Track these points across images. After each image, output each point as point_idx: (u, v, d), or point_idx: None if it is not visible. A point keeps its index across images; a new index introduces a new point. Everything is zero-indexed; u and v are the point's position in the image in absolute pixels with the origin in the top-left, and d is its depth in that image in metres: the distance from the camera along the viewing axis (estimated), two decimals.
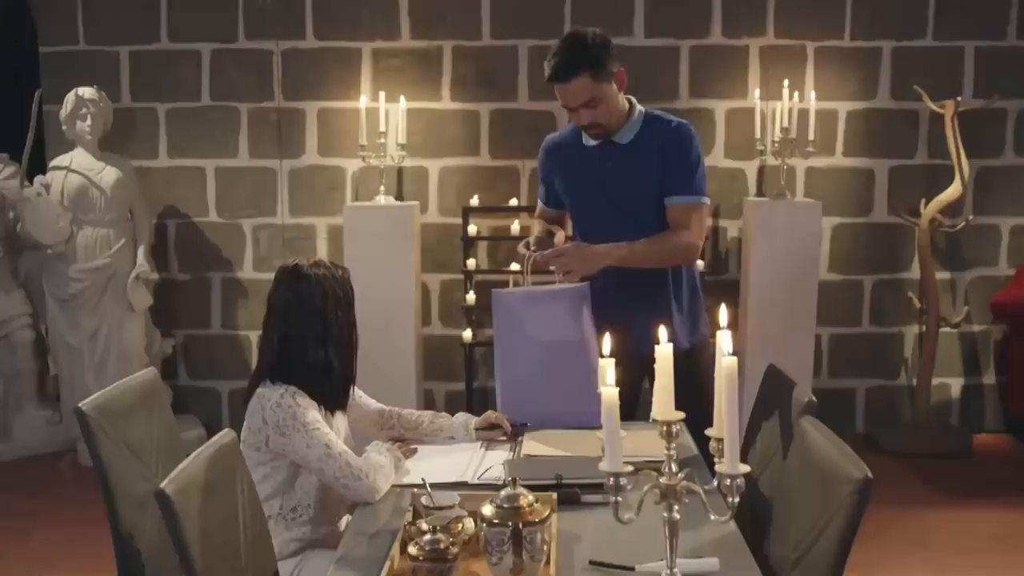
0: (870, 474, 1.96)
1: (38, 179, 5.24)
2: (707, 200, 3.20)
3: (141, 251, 5.33)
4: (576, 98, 3.02)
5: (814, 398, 2.58)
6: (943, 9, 5.53)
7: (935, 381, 5.60)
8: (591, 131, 3.12)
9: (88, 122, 5.21)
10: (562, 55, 3.00)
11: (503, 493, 2.01)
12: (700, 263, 3.59)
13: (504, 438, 2.99)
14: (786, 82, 5.23)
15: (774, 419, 2.77)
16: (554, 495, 2.31)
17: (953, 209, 5.51)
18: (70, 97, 5.22)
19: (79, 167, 5.22)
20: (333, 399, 2.69)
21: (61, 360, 5.41)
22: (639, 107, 3.18)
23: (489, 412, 3.06)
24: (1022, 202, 5.69)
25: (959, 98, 5.31)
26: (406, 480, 2.64)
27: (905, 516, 4.50)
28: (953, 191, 5.31)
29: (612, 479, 1.82)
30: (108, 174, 5.23)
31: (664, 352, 1.88)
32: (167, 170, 5.75)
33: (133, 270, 5.26)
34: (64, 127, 5.26)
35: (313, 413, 2.57)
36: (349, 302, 2.72)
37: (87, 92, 5.22)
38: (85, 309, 5.23)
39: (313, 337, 2.62)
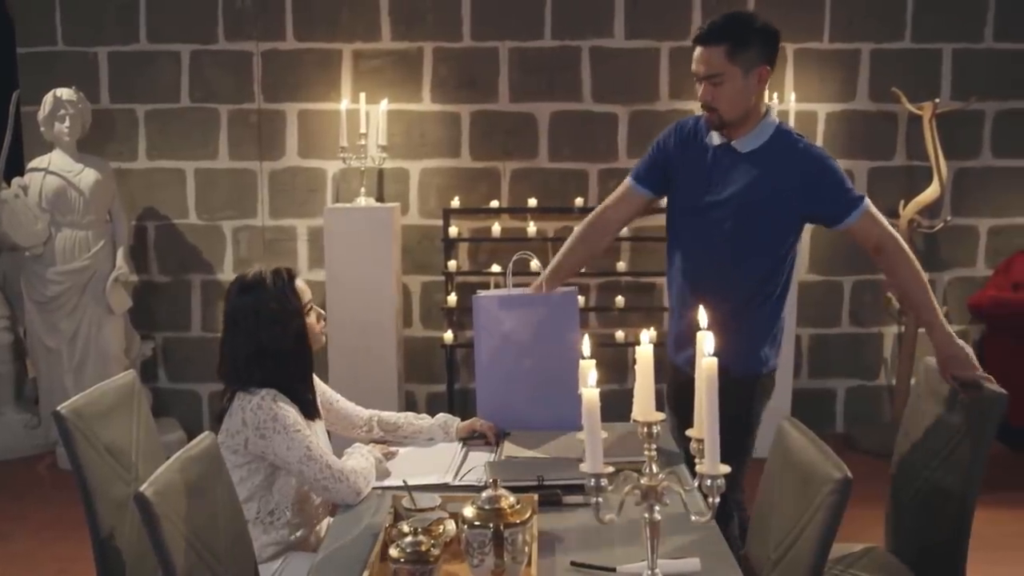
0: (849, 474, 1.97)
1: (16, 181, 5.20)
2: (865, 196, 2.95)
3: (120, 253, 5.29)
4: (703, 67, 2.83)
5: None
6: (921, 11, 5.56)
7: (914, 381, 5.62)
8: (706, 113, 2.92)
9: (66, 123, 5.18)
10: (715, 20, 2.83)
11: (484, 495, 2.01)
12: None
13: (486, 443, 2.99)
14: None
15: None
16: (535, 496, 2.31)
17: (931, 210, 5.54)
18: (48, 98, 5.18)
19: (57, 169, 5.18)
20: (303, 401, 2.67)
21: (39, 363, 5.37)
22: (773, 119, 2.91)
23: (475, 419, 3.06)
24: (1000, 203, 5.74)
25: (937, 100, 5.34)
26: (387, 482, 2.64)
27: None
28: (931, 192, 5.35)
29: (593, 480, 1.82)
30: (87, 176, 5.20)
31: (644, 352, 1.88)
32: (146, 172, 5.72)
33: (112, 272, 5.23)
34: (42, 128, 5.23)
35: (294, 415, 2.56)
36: (289, 315, 2.65)
37: (65, 93, 5.18)
38: (64, 311, 5.19)
39: (250, 353, 2.60)
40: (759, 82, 2.82)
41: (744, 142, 2.87)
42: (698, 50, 2.85)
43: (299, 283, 2.71)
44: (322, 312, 2.80)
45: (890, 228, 2.89)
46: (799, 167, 2.84)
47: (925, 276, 2.88)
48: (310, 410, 2.68)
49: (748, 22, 2.83)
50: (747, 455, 2.95)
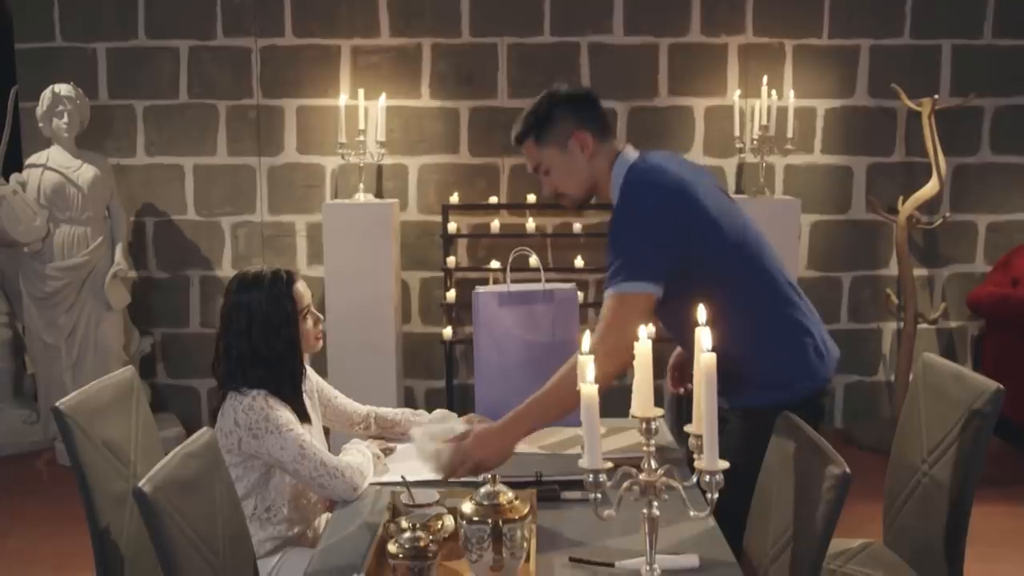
0: (848, 469, 1.97)
1: (14, 177, 5.19)
2: (631, 287, 2.42)
3: (119, 249, 5.29)
4: (528, 162, 2.73)
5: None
6: (920, 7, 5.56)
7: (912, 377, 5.62)
8: (559, 201, 2.75)
9: (65, 119, 5.18)
10: (519, 119, 2.72)
11: (483, 490, 2.01)
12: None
13: None
14: (765, 80, 5.25)
15: None
16: (534, 492, 2.31)
17: (930, 206, 5.55)
18: (46, 94, 5.18)
19: (56, 165, 5.18)
20: (293, 405, 2.67)
21: (38, 359, 5.37)
22: (627, 158, 2.63)
23: (471, 415, 3.06)
24: (998, 199, 5.74)
25: (936, 96, 5.34)
26: (385, 478, 2.64)
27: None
28: (930, 188, 5.35)
29: (592, 476, 1.83)
30: (85, 172, 5.19)
31: (642, 348, 1.88)
32: (145, 168, 5.71)
33: (111, 268, 5.22)
34: (40, 124, 5.22)
35: (286, 414, 2.56)
36: (282, 321, 2.63)
37: (63, 89, 5.18)
38: (62, 307, 5.19)
39: (241, 353, 2.60)
40: (583, 149, 2.63)
41: (614, 198, 2.64)
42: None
43: (299, 287, 2.69)
44: (320, 316, 2.79)
45: (602, 333, 2.43)
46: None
47: (559, 399, 2.49)
48: (301, 415, 2.66)
49: (542, 103, 2.69)
50: None
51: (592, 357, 1.84)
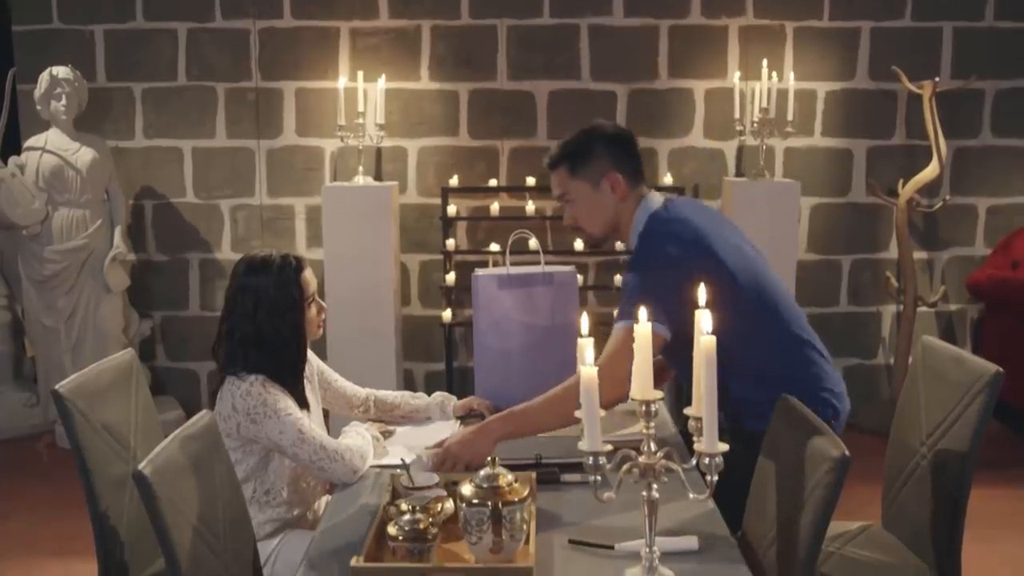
0: (847, 452, 1.97)
1: (12, 159, 5.18)
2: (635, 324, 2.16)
3: (118, 232, 5.29)
4: (555, 189, 2.78)
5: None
6: None
7: (912, 360, 5.63)
8: (576, 232, 2.87)
9: (63, 102, 5.16)
10: (558, 144, 2.77)
11: (482, 473, 2.01)
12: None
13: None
14: (765, 62, 5.23)
15: None
16: (533, 474, 2.32)
17: (930, 189, 5.54)
18: (44, 76, 5.16)
19: (54, 147, 5.17)
20: (293, 391, 2.66)
21: (38, 342, 5.37)
22: (651, 206, 2.69)
23: (471, 398, 3.07)
24: (999, 182, 5.73)
25: (937, 79, 5.32)
26: (384, 460, 2.64)
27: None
28: (930, 171, 5.34)
29: (591, 458, 1.83)
30: (83, 154, 5.18)
31: (641, 330, 1.88)
32: (143, 150, 5.70)
33: (110, 251, 5.22)
34: (38, 107, 5.21)
35: (284, 399, 2.56)
36: (288, 306, 2.63)
37: (61, 71, 5.16)
38: (61, 290, 5.19)
39: (245, 336, 2.60)
40: (614, 190, 2.69)
41: (632, 242, 2.75)
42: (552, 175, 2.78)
43: (306, 274, 2.69)
44: (323, 304, 2.78)
45: (603, 363, 2.40)
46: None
47: (552, 413, 2.53)
48: (299, 401, 2.66)
49: (586, 137, 2.73)
50: None
51: (591, 340, 1.84)
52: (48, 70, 5.17)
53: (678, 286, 2.43)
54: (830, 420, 2.60)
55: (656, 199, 2.72)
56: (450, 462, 2.49)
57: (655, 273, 2.55)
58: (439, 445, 2.57)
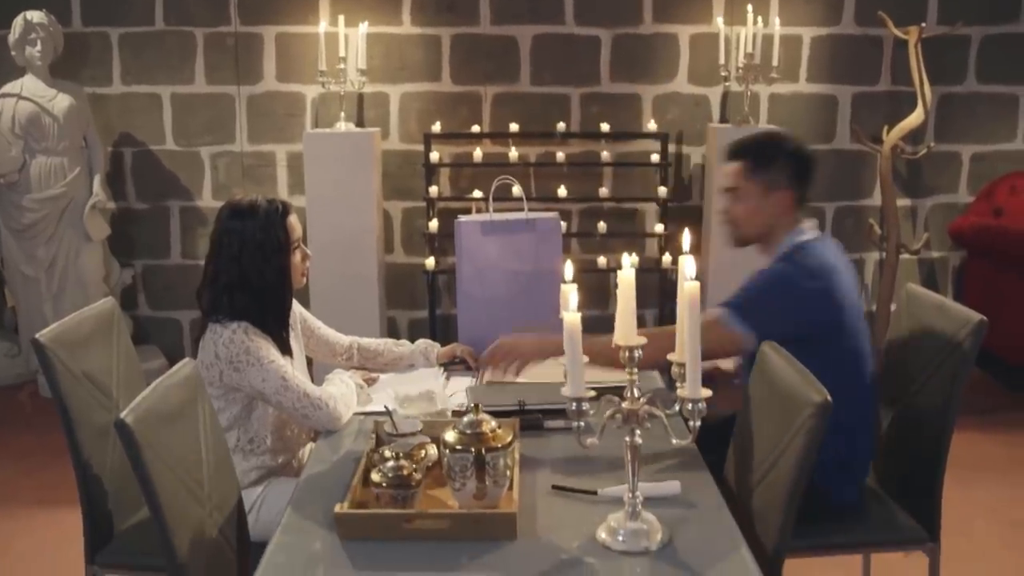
0: (829, 397, 1.98)
1: None
2: (736, 321, 2.54)
3: (97, 180, 5.23)
4: (725, 179, 2.79)
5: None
6: None
7: (894, 307, 5.66)
8: (728, 227, 2.85)
9: (38, 47, 5.08)
10: (746, 136, 2.81)
11: (466, 419, 2.01)
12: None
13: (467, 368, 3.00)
14: (750, 7, 5.18)
15: None
16: (517, 421, 2.32)
17: (915, 136, 5.53)
18: (18, 21, 5.07)
19: (30, 94, 5.09)
20: (277, 338, 2.65)
21: (18, 291, 5.33)
22: (798, 240, 2.71)
23: (455, 345, 3.07)
24: (983, 129, 5.71)
25: (923, 24, 5.29)
26: (368, 408, 2.65)
27: None
28: (915, 118, 5.32)
29: (574, 404, 1.83)
30: (60, 101, 5.11)
31: (625, 276, 1.87)
32: (121, 97, 5.62)
33: (89, 199, 5.17)
34: (13, 52, 5.12)
35: (267, 347, 2.55)
36: (274, 249, 2.61)
37: (36, 16, 5.07)
38: (41, 239, 5.14)
39: (230, 280, 2.57)
40: (779, 204, 2.73)
41: (773, 258, 2.76)
42: (724, 164, 2.81)
43: (292, 219, 2.66)
44: (308, 252, 2.76)
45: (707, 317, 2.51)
46: None
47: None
48: (283, 348, 2.65)
49: (775, 143, 2.78)
50: None
51: (575, 286, 1.83)
52: (22, 15, 5.07)
53: (786, 314, 2.55)
54: (859, 467, 2.69)
55: (810, 231, 2.75)
56: (501, 352, 2.63)
57: (778, 292, 2.61)
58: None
